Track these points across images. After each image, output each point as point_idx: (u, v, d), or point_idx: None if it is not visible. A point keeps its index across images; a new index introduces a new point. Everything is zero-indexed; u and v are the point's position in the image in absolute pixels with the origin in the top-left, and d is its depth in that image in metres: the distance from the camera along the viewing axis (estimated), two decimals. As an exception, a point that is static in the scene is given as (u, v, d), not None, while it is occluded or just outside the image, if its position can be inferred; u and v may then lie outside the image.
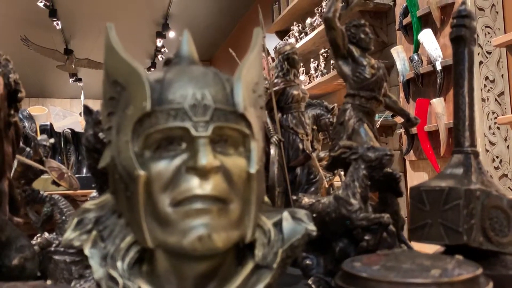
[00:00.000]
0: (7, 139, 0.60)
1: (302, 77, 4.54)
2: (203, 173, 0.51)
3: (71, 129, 1.71)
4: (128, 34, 7.89)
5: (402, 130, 3.04)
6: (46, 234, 0.83)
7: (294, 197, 0.80)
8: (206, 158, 0.51)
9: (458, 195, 0.76)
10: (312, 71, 4.33)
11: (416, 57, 2.81)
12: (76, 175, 1.36)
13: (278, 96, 0.83)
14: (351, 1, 0.87)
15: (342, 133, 0.88)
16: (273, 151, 0.78)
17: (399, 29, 3.03)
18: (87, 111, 0.76)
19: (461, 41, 0.80)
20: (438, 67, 2.62)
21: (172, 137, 0.54)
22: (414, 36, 2.84)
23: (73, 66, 8.00)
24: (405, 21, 2.97)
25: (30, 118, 1.96)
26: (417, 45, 2.82)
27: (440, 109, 2.59)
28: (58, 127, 1.96)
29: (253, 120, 0.57)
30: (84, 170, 1.55)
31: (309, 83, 4.44)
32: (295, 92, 0.79)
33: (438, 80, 2.64)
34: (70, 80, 9.71)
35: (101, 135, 0.73)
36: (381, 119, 3.23)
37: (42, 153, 0.69)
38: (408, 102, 3.01)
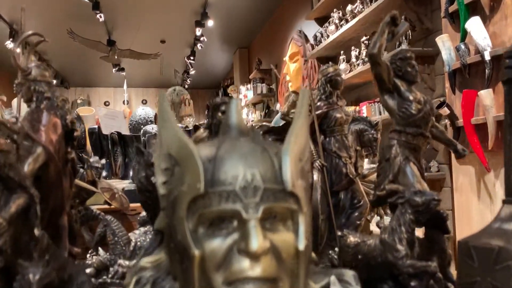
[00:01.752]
0: (65, 176, 0.64)
1: (343, 65, 4.46)
2: (254, 256, 0.54)
3: (118, 132, 1.78)
4: (168, 24, 8.01)
5: (447, 121, 2.94)
6: (100, 252, 0.88)
7: (339, 233, 0.81)
8: (257, 242, 0.53)
9: (509, 255, 0.73)
10: (353, 59, 4.24)
11: (463, 46, 2.69)
12: (126, 188, 1.43)
13: (320, 119, 0.82)
14: (396, 32, 0.84)
15: (388, 170, 0.87)
16: (316, 176, 0.78)
17: (445, 16, 2.91)
18: (139, 152, 0.79)
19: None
20: (487, 57, 2.50)
21: (224, 216, 0.57)
22: (461, 24, 2.72)
23: (116, 57, 8.21)
24: (451, 9, 2.85)
25: (79, 119, 2.05)
26: (464, 34, 2.70)
27: (488, 101, 2.49)
28: (106, 131, 2.04)
29: (301, 194, 0.59)
30: (131, 173, 1.61)
31: (350, 71, 4.36)
32: (338, 115, 0.78)
33: (486, 70, 2.53)
34: (113, 70, 9.98)
35: (153, 179, 0.77)
36: (425, 109, 3.15)
37: (94, 174, 0.73)
38: (454, 93, 2.90)
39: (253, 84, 8.12)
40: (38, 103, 0.54)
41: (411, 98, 0.84)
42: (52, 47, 9.37)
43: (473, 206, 2.86)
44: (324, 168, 0.78)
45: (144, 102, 13.78)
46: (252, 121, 8.56)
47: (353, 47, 4.26)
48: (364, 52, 4.04)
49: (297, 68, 6.41)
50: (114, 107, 13.55)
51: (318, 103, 0.79)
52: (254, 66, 8.58)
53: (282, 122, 4.13)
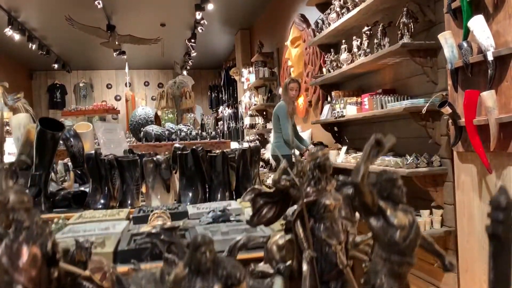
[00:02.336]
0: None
1: (344, 55, 4.39)
2: None
3: (115, 156, 1.77)
4: (167, 7, 7.87)
5: (449, 120, 2.91)
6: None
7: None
8: None
9: None
10: (355, 49, 4.17)
11: (465, 44, 2.63)
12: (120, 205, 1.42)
13: (310, 205, 0.81)
14: (382, 150, 0.80)
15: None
16: (305, 267, 0.77)
17: (447, 12, 2.84)
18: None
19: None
20: (490, 58, 2.45)
21: None
22: (463, 22, 2.65)
23: (116, 42, 8.13)
24: (454, 4, 2.77)
25: (77, 136, 2.04)
26: (467, 32, 2.64)
27: (490, 102, 2.45)
28: (105, 154, 2.03)
29: None
30: (129, 201, 1.61)
31: (351, 61, 4.29)
32: (328, 202, 0.76)
33: (489, 71, 2.48)
34: (114, 54, 9.90)
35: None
36: (428, 104, 3.10)
37: (84, 255, 0.72)
38: (456, 90, 2.86)
39: (255, 67, 8.03)
40: (17, 233, 0.54)
41: (396, 223, 0.81)
42: (52, 32, 9.30)
43: (475, 204, 2.86)
44: (313, 259, 0.77)
45: (146, 84, 13.73)
46: (255, 104, 8.51)
47: (354, 37, 4.18)
48: (366, 43, 3.97)
49: (298, 53, 6.32)
50: (117, 89, 13.53)
51: (308, 189, 0.77)
52: (256, 48, 8.47)
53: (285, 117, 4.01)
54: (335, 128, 5.15)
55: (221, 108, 11.97)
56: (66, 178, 2.25)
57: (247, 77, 8.71)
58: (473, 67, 2.66)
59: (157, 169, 1.60)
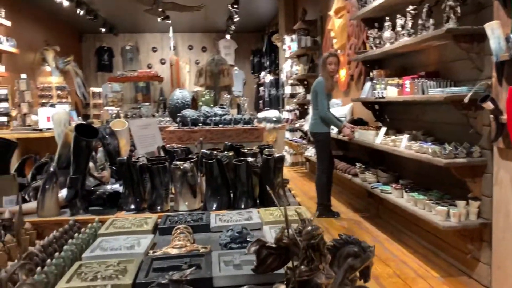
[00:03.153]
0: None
1: (388, 32, 4.23)
2: None
3: (147, 160, 1.85)
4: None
5: (491, 116, 2.78)
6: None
7: None
8: None
9: None
10: (399, 28, 4.00)
11: (513, 37, 2.47)
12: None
13: (303, 284, 0.82)
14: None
15: None
16: None
17: (497, -1, 2.65)
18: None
19: None
20: (539, 54, 2.30)
21: None
22: (513, 12, 2.48)
23: (159, 9, 8.18)
24: (504, -9, 2.58)
25: (112, 134, 2.14)
26: (516, 24, 2.47)
27: (536, 102, 2.32)
28: (141, 149, 2.13)
29: None
30: (159, 205, 1.70)
31: (394, 40, 4.13)
32: (320, 281, 0.78)
33: (537, 68, 2.33)
34: (159, 19, 9.96)
35: None
36: (471, 93, 2.97)
37: None
38: (500, 84, 2.71)
39: (297, 36, 7.87)
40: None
41: None
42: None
43: (512, 202, 2.77)
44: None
45: (190, 47, 13.80)
46: (296, 73, 8.41)
47: (398, 15, 4.00)
48: (410, 23, 3.79)
49: (342, 24, 6.13)
50: (162, 53, 13.71)
51: (302, 267, 0.78)
52: (299, 15, 8.26)
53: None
54: (376, 106, 5.03)
55: (262, 74, 11.90)
56: (105, 166, 2.38)
57: (289, 45, 8.56)
58: (521, 62, 2.51)
59: (184, 176, 1.68)
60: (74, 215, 1.71)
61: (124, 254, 1.22)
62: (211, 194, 1.72)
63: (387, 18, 4.26)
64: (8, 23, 7.58)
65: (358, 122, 5.46)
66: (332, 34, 6.39)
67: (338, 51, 6.30)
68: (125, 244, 1.26)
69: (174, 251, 1.22)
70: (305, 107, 8.22)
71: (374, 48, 4.55)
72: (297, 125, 8.17)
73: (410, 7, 3.73)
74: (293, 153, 8.55)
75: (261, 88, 11.91)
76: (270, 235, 1.36)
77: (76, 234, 1.40)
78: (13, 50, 7.79)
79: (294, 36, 8.28)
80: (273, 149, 2.24)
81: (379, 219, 4.95)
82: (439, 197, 3.59)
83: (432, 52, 3.90)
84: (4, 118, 6.33)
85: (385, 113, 4.95)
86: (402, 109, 4.57)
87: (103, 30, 11.69)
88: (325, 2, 7.14)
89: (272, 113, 9.47)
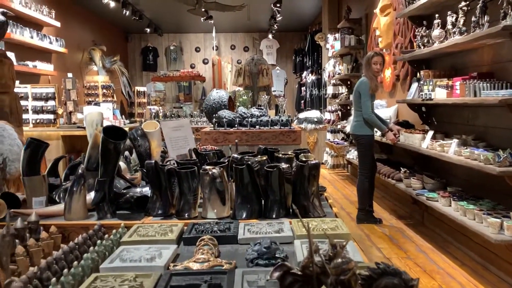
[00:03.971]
0: None
1: (437, 31, 3.99)
2: None
3: (175, 164, 1.78)
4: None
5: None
6: None
7: None
8: None
9: None
10: (449, 26, 3.75)
11: None
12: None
13: None
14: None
15: None
16: None
17: None
18: None
19: None
20: None
21: None
22: None
23: (202, 9, 8.21)
24: None
25: (144, 136, 2.09)
26: None
27: None
28: (173, 152, 2.07)
29: None
30: (186, 212, 1.62)
31: (444, 38, 3.89)
32: None
33: None
34: (202, 19, 10.02)
35: None
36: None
37: None
38: None
39: (341, 34, 7.65)
40: None
41: None
42: (144, -3, 9.63)
43: None
44: None
45: (233, 47, 13.82)
46: (339, 73, 8.19)
47: (449, 12, 3.75)
48: (462, 20, 3.54)
49: (388, 22, 5.88)
50: (204, 53, 13.82)
51: None
52: (343, 13, 8.03)
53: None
54: (423, 109, 4.77)
55: (304, 73, 11.72)
56: (138, 167, 2.34)
57: (332, 43, 8.36)
58: None
59: (213, 182, 1.59)
60: (101, 219, 1.66)
61: (143, 267, 1.14)
62: (241, 202, 1.62)
63: (437, 15, 4.01)
64: (57, 24, 7.84)
65: (403, 124, 5.21)
66: (378, 32, 6.15)
67: (384, 50, 6.06)
68: (146, 256, 1.19)
69: (195, 266, 1.13)
70: (348, 107, 7.99)
71: (422, 47, 4.30)
72: (339, 126, 7.96)
73: (463, 3, 3.49)
74: (335, 155, 8.34)
75: (303, 88, 11.73)
76: (301, 251, 1.24)
77: (99, 241, 1.34)
78: (62, 50, 8.06)
79: (337, 35, 8.07)
80: (309, 154, 2.12)
81: (424, 227, 4.69)
82: (491, 208, 3.33)
83: (485, 51, 3.62)
84: (51, 116, 6.54)
85: (433, 116, 4.69)
86: (451, 112, 4.30)
87: (148, 30, 11.91)
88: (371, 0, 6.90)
89: (313, 114, 9.31)
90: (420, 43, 4.34)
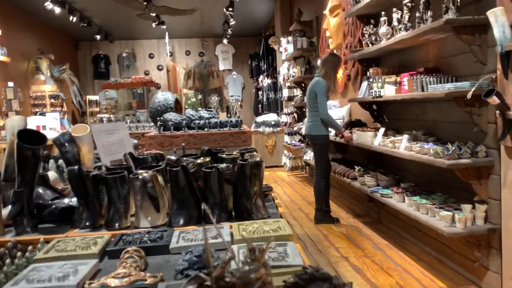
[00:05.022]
0: None
1: (384, 28, 4.01)
2: None
3: (99, 170, 1.62)
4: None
5: (497, 112, 2.55)
6: None
7: None
8: None
9: None
10: (395, 23, 3.77)
11: (519, 24, 2.24)
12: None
13: None
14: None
15: None
16: None
17: (500, -17, 2.43)
18: None
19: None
20: (548, 41, 2.06)
21: None
22: (518, -3, 2.25)
23: (152, 14, 7.99)
24: (508, -25, 2.36)
25: (71, 141, 1.91)
26: (522, 9, 2.24)
27: (547, 94, 2.08)
28: (105, 158, 1.90)
29: None
30: (117, 222, 1.47)
31: (391, 36, 3.91)
32: None
33: (547, 57, 2.10)
34: (153, 24, 9.78)
35: None
36: (474, 88, 2.74)
37: None
38: (506, 77, 2.48)
39: (293, 37, 7.66)
40: None
41: None
42: (91, 3, 9.29)
43: (523, 206, 2.53)
44: None
45: (188, 53, 13.62)
46: (293, 76, 8.20)
47: (395, 9, 3.77)
48: (406, 16, 3.57)
49: (337, 23, 5.91)
50: (159, 59, 13.53)
51: None
52: (294, 17, 8.05)
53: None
54: (374, 107, 4.80)
55: (261, 77, 11.70)
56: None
57: (285, 47, 8.36)
58: (528, 51, 2.28)
59: (145, 187, 1.45)
60: (20, 234, 1.48)
61: (52, 287, 0.99)
62: (178, 208, 1.49)
63: (383, 13, 4.04)
64: (-2, 32, 7.42)
65: (356, 123, 5.23)
66: (328, 33, 6.17)
67: (335, 51, 6.09)
68: (58, 274, 1.04)
69: (114, 283, 0.99)
70: (303, 109, 8.00)
71: (370, 45, 4.32)
72: (295, 129, 7.95)
73: (407, 0, 3.51)
74: (293, 157, 8.32)
75: (260, 92, 11.70)
76: (237, 257, 1.13)
77: (8, 260, 1.17)
78: (4, 58, 7.63)
79: (290, 38, 8.07)
80: (256, 153, 2.01)
81: (381, 225, 4.70)
82: (443, 201, 3.35)
83: (431, 47, 3.67)
84: (-9, 128, 6.14)
85: (384, 113, 4.72)
86: (401, 109, 4.34)
87: (98, 37, 11.53)
88: (321, 1, 6.94)
89: (271, 117, 9.27)
90: (368, 42, 4.36)
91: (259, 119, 9.28)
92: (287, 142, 8.45)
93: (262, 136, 8.97)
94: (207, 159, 1.84)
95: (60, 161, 2.22)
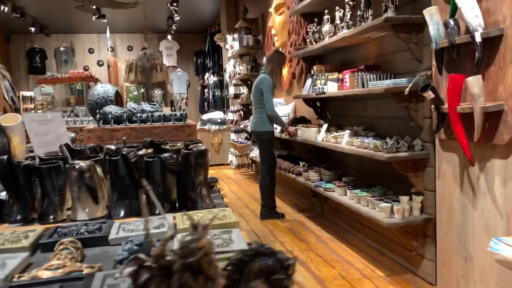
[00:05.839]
0: None
1: (327, 26, 4.10)
2: None
3: (33, 160, 1.52)
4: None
5: (432, 106, 2.68)
6: None
7: None
8: None
9: None
10: (338, 21, 3.87)
11: (452, 22, 2.37)
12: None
13: None
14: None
15: None
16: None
17: (435, -16, 2.55)
18: None
19: None
20: (478, 39, 2.20)
21: None
22: (451, -3, 2.38)
23: (92, 6, 7.67)
24: (441, -24, 2.48)
25: (1, 131, 1.77)
26: (454, 9, 2.37)
27: (476, 89, 2.22)
28: (39, 149, 1.78)
29: None
30: (51, 214, 1.39)
31: (333, 34, 4.01)
32: None
33: (476, 54, 2.23)
34: (93, 18, 9.40)
35: None
36: (411, 84, 2.86)
37: None
38: (440, 73, 2.61)
39: (239, 35, 7.65)
40: None
41: None
42: (26, -7, 8.77)
43: (455, 195, 2.68)
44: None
45: (130, 48, 13.23)
46: (239, 73, 8.20)
47: (337, 7, 3.87)
48: (348, 15, 3.67)
49: (282, 21, 5.98)
50: (99, 54, 13.03)
51: None
52: (240, 14, 8.05)
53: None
54: (317, 104, 4.90)
55: (206, 75, 11.60)
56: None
57: (231, 44, 8.34)
58: (460, 49, 2.41)
59: (82, 177, 1.37)
60: None
61: (-26, 283, 0.91)
62: (118, 199, 1.43)
63: (326, 11, 4.13)
64: None
65: (300, 120, 5.32)
66: (273, 31, 6.23)
67: (280, 49, 6.15)
68: (-18, 268, 0.95)
69: (46, 274, 0.92)
70: (250, 107, 8.01)
71: (314, 43, 4.41)
72: (241, 126, 7.95)
73: (348, -2, 3.61)
74: (239, 155, 8.32)
75: (206, 90, 11.59)
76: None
77: None
78: None
79: (236, 35, 8.06)
80: (200, 144, 1.97)
81: (324, 219, 4.81)
82: (382, 193, 3.48)
83: (372, 45, 3.80)
84: None
85: (327, 110, 4.83)
86: (343, 105, 4.46)
87: (33, 30, 10.90)
88: (266, -1, 6.98)
89: (217, 115, 9.22)
90: (312, 39, 4.44)
91: (205, 116, 9.20)
92: (233, 139, 8.43)
93: (208, 134, 8.89)
94: (149, 150, 1.78)
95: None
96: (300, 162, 4.91)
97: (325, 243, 4.04)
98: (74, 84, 10.61)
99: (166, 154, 1.45)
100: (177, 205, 1.53)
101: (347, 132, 3.78)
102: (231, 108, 9.12)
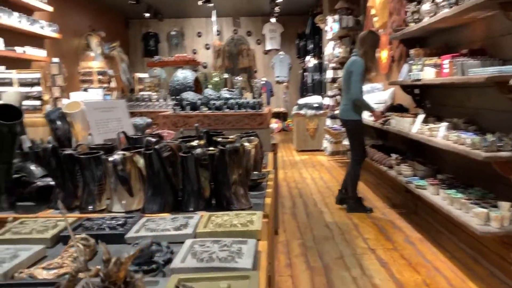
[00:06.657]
0: None
1: (427, 5, 3.67)
2: None
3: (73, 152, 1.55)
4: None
5: None
6: None
7: None
8: None
9: None
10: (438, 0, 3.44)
11: None
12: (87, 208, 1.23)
13: None
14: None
15: None
16: None
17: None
18: None
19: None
20: None
21: None
22: None
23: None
24: None
25: (63, 117, 1.86)
26: None
27: None
28: (98, 137, 1.84)
29: None
30: (91, 204, 1.40)
31: (434, 14, 3.57)
32: None
33: None
34: (199, 2, 9.72)
35: None
36: None
37: None
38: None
39: (339, 16, 7.31)
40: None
41: None
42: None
43: None
44: None
45: (235, 32, 13.49)
46: (337, 56, 7.87)
47: (439, -16, 3.43)
48: (451, -9, 3.22)
49: (383, 0, 5.54)
50: (206, 38, 13.52)
51: None
52: (342, -6, 7.66)
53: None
54: (415, 91, 4.47)
55: (307, 58, 11.37)
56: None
57: (331, 26, 8.01)
58: None
59: (115, 170, 1.37)
60: (-5, 212, 1.46)
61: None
62: (153, 194, 1.40)
63: (427, -12, 3.70)
64: (50, 9, 7.63)
65: (397, 108, 4.91)
66: (373, 11, 5.82)
67: (380, 31, 5.73)
68: (-3, 258, 0.98)
69: (42, 274, 0.91)
70: (347, 92, 7.68)
71: (413, 24, 3.99)
72: (336, 112, 7.66)
73: (452, -27, 3.17)
74: (334, 141, 8.05)
75: (306, 73, 11.40)
76: (182, 254, 1.02)
77: (-39, 240, 1.14)
78: (55, 35, 7.86)
79: (336, 17, 7.72)
80: (255, 138, 1.87)
81: (416, 217, 4.43)
82: (480, 196, 3.06)
83: (477, 26, 3.31)
84: (38, 102, 6.37)
85: (426, 98, 4.38)
86: (443, 94, 4.00)
87: (147, 15, 11.66)
88: (369, -23, 6.53)
89: (314, 99, 9.01)
90: (411, 20, 4.03)
91: (302, 101, 9.06)
92: (328, 125, 8.19)
93: (304, 119, 8.75)
94: (202, 142, 1.73)
95: (50, 138, 2.19)
96: (392, 154, 4.55)
97: (413, 244, 3.72)
98: (179, 68, 11.16)
99: (198, 150, 1.38)
100: (213, 202, 1.46)
101: (444, 124, 3.38)
102: (328, 92, 8.83)
